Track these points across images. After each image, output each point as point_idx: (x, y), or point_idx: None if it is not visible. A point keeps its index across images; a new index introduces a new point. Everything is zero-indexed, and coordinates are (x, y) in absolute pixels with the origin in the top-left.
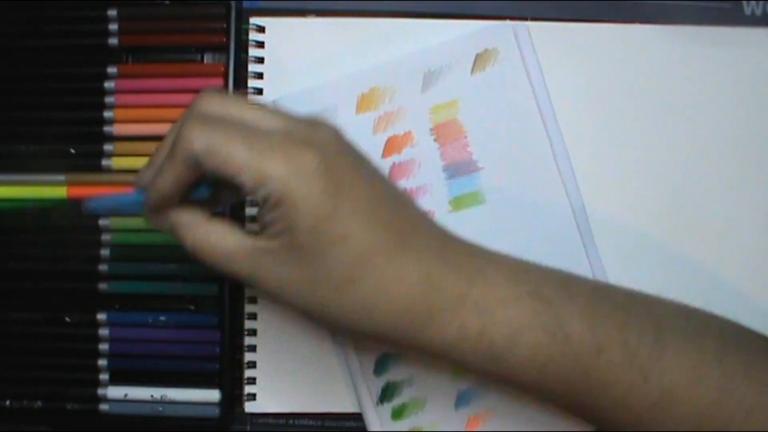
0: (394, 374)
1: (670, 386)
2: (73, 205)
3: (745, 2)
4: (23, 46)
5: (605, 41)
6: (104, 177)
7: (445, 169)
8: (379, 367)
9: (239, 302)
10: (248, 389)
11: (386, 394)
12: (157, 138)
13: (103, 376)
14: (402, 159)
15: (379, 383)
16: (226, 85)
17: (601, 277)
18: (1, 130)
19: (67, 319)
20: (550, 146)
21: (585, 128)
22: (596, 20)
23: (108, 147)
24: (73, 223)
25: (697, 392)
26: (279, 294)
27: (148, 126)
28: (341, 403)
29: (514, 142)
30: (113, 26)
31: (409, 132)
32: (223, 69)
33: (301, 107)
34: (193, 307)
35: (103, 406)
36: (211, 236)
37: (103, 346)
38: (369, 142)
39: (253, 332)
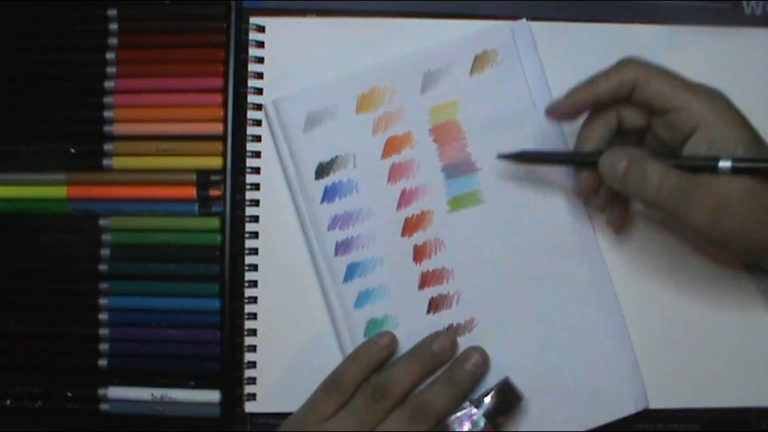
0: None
1: None
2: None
3: (745, 2)
4: (23, 46)
5: (605, 41)
6: (104, 177)
7: (444, 169)
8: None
9: (239, 302)
10: (248, 389)
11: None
12: (157, 138)
13: (104, 376)
14: (401, 159)
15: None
16: (225, 84)
17: (601, 278)
18: (1, 130)
19: (68, 319)
20: (549, 147)
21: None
22: (596, 20)
23: (108, 146)
24: (73, 223)
25: None
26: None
27: (148, 125)
28: None
29: (512, 143)
30: (113, 26)
31: (409, 132)
32: (222, 69)
33: (301, 107)
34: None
35: (104, 406)
36: (669, 170)
37: (104, 346)
38: (369, 142)
39: (253, 332)
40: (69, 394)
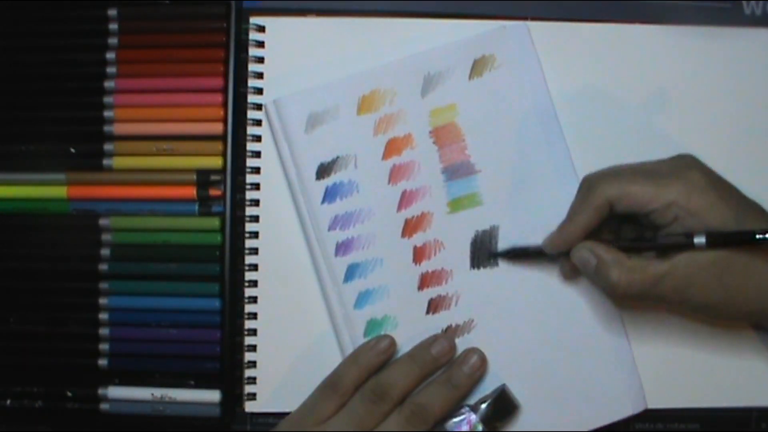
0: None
1: None
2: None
3: (745, 2)
4: (23, 45)
5: (605, 41)
6: (104, 176)
7: (444, 171)
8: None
9: (239, 302)
10: (248, 389)
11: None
12: (157, 137)
13: (104, 376)
14: (402, 161)
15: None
16: (225, 84)
17: None
18: (1, 130)
19: (68, 319)
20: (548, 148)
21: (585, 127)
22: (596, 20)
23: (108, 146)
24: (73, 223)
25: None
26: (698, 297)
27: (148, 125)
28: None
29: (511, 145)
30: (113, 26)
31: (409, 134)
32: (222, 69)
33: (302, 107)
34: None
35: (104, 406)
36: (636, 267)
37: (104, 346)
38: (370, 143)
39: (253, 332)
40: (69, 393)
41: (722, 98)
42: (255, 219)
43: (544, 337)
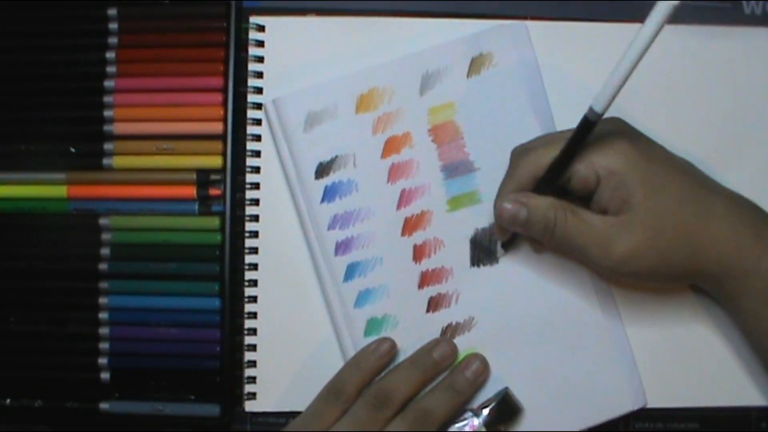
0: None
1: None
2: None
3: (745, 2)
4: (23, 45)
5: (605, 41)
6: (104, 176)
7: (443, 169)
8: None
9: (239, 301)
10: (248, 389)
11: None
12: (157, 137)
13: (104, 375)
14: (401, 159)
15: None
16: (225, 83)
17: (604, 288)
18: (1, 130)
19: (68, 318)
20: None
21: None
22: (596, 20)
23: (108, 146)
24: (73, 222)
25: None
26: (624, 253)
27: (148, 125)
28: None
29: (509, 143)
30: (113, 26)
31: (408, 132)
32: (222, 68)
33: (301, 106)
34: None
35: (104, 405)
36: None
37: (104, 346)
38: (368, 142)
39: (253, 332)
40: (69, 393)
41: (722, 98)
42: (255, 218)
43: (544, 334)
